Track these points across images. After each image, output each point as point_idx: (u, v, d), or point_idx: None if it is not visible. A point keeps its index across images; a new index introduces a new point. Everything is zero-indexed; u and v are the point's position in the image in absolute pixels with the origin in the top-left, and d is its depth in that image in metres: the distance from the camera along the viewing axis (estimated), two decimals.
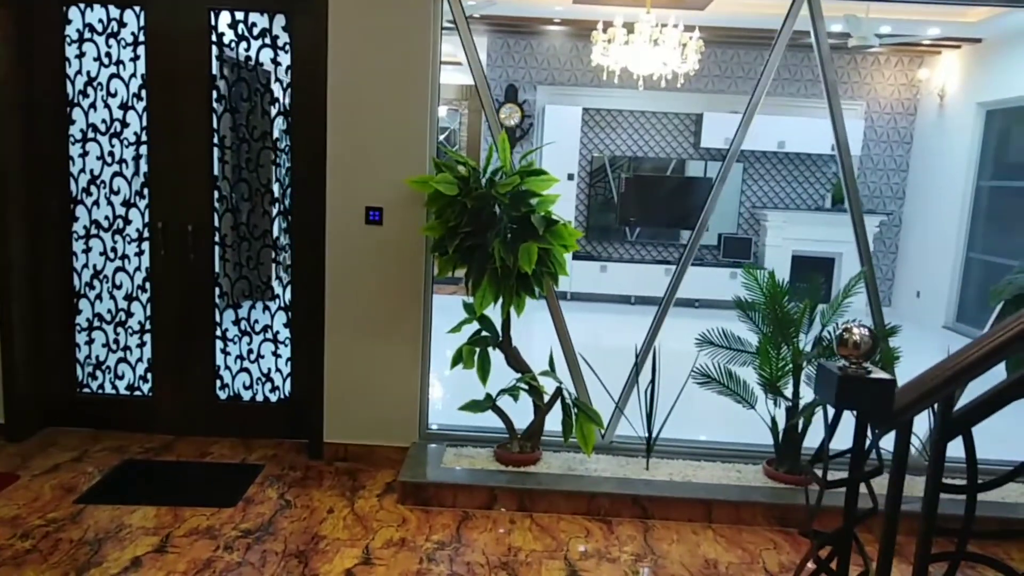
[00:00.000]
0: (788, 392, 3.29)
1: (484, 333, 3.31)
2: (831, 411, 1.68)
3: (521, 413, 3.37)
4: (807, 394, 3.27)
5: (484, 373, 3.28)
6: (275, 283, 3.69)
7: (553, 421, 3.33)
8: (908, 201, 8.62)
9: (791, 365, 3.26)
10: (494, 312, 3.20)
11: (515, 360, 3.33)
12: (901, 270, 8.70)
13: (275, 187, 3.65)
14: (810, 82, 8.31)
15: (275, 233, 3.71)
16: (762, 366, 3.30)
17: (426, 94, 3.29)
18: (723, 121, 8.36)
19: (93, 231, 3.64)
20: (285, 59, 3.49)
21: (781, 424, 3.34)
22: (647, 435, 3.38)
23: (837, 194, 8.73)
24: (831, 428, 1.72)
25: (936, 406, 1.54)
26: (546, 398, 3.31)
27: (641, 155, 8.78)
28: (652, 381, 3.35)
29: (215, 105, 3.52)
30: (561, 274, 3.21)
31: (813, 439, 3.36)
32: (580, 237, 3.17)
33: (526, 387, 3.28)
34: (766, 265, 8.63)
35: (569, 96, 8.47)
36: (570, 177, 8.49)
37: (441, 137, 10.69)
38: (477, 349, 3.26)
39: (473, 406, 3.25)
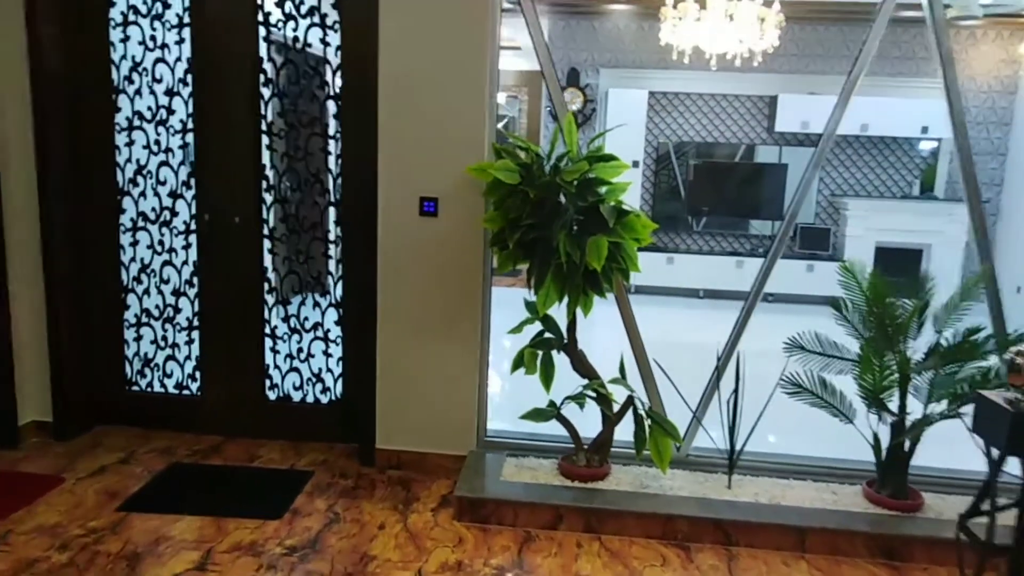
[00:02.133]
0: (893, 405, 2.90)
1: (547, 335, 3.02)
2: (992, 451, 1.34)
3: (588, 422, 3.07)
4: (914, 408, 2.88)
5: (548, 378, 2.99)
6: (327, 278, 3.48)
7: (623, 431, 3.03)
8: (1007, 188, 7.92)
9: (898, 375, 2.87)
10: (558, 312, 2.90)
11: (581, 364, 3.03)
12: (999, 263, 8.01)
13: (328, 177, 3.42)
14: (897, 59, 7.69)
15: (327, 225, 3.49)
16: (863, 375, 2.91)
17: (484, 76, 3.00)
18: (800, 103, 7.84)
19: (140, 223, 3.49)
20: (335, 39, 3.25)
21: (884, 441, 2.96)
22: (729, 449, 3.04)
23: (927, 180, 8.10)
24: (994, 474, 1.37)
25: None
26: (615, 407, 3.00)
27: (711, 140, 8.31)
28: (735, 390, 3.00)
29: (262, 89, 3.31)
30: (633, 270, 2.89)
31: (922, 458, 2.98)
32: (655, 229, 2.85)
33: (593, 394, 2.98)
34: (846, 257, 8.07)
35: (634, 79, 8.06)
36: (635, 164, 8.10)
37: (499, 125, 10.44)
38: (540, 352, 2.97)
39: (536, 415, 2.97)
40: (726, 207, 8.37)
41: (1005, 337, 2.91)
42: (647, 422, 2.89)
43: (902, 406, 2.89)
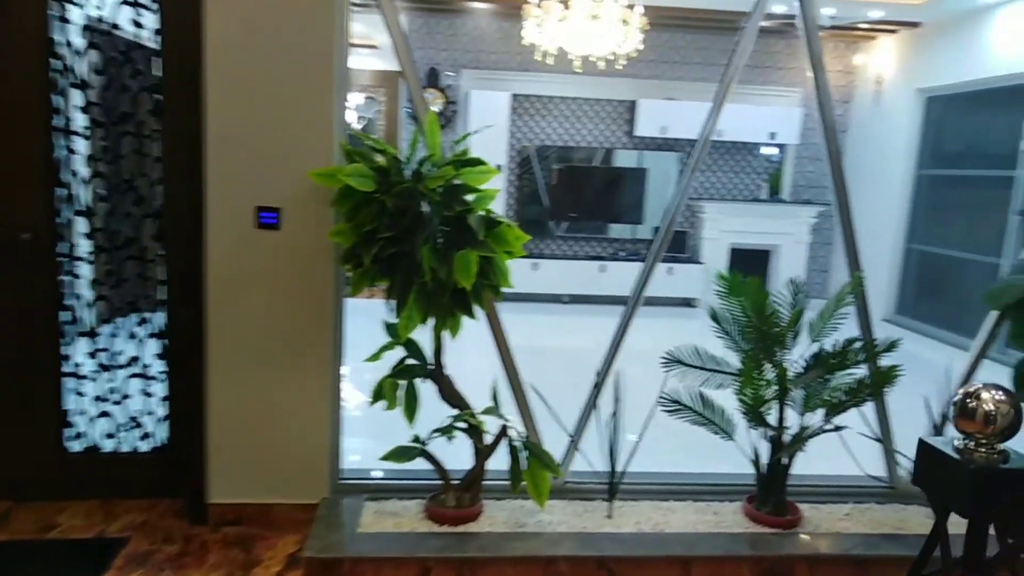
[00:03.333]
0: (773, 419, 2.80)
1: (411, 361, 2.67)
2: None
3: (458, 454, 2.76)
4: (791, 420, 2.80)
5: (412, 411, 2.65)
6: (145, 304, 2.94)
7: (497, 459, 2.73)
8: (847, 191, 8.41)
9: (777, 388, 2.77)
10: (422, 334, 2.57)
11: (450, 393, 2.71)
12: (841, 261, 8.50)
13: (145, 183, 2.90)
14: (747, 68, 7.95)
15: (144, 241, 2.96)
16: (743, 389, 2.79)
17: (331, 71, 2.62)
18: (658, 108, 7.93)
19: None
20: (152, 21, 2.74)
21: (764, 455, 2.85)
22: (610, 475, 2.83)
23: (775, 184, 8.45)
24: (941, 536, 1.18)
25: None
26: (488, 438, 2.70)
27: (573, 144, 8.25)
28: (614, 412, 2.79)
29: (57, 79, 2.74)
30: (505, 286, 2.62)
31: (800, 468, 2.90)
32: (528, 241, 2.58)
33: (464, 426, 2.67)
34: (703, 260, 8.28)
35: (497, 81, 7.85)
36: (498, 168, 7.89)
37: (359, 127, 9.91)
38: (403, 382, 2.63)
39: (398, 454, 2.61)
40: (588, 211, 8.34)
41: (873, 346, 2.88)
42: (523, 455, 2.61)
43: (781, 419, 2.80)
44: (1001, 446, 1.02)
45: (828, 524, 2.86)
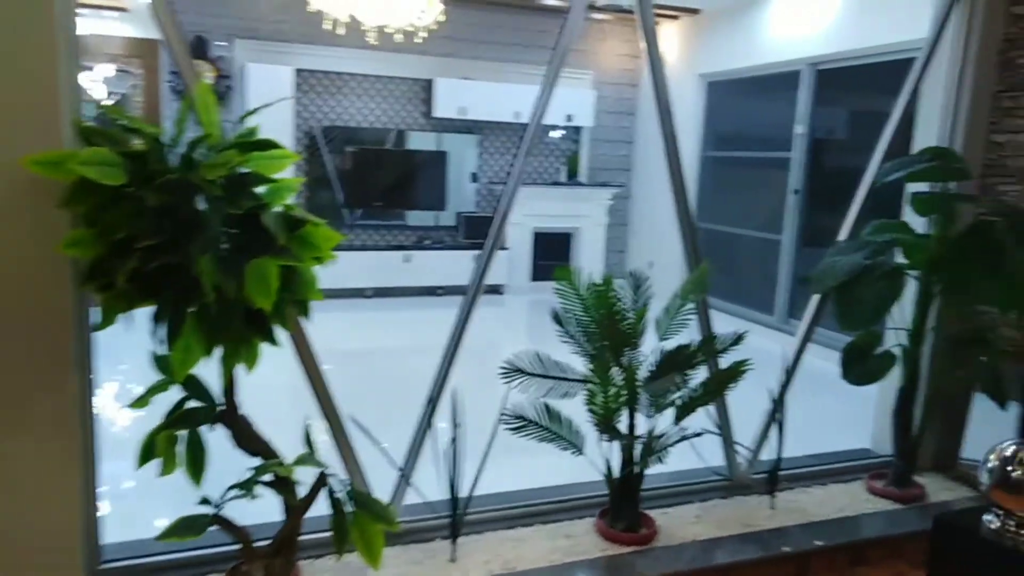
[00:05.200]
0: (624, 426, 2.56)
1: (193, 404, 2.07)
2: None
3: (263, 505, 2.20)
4: (643, 424, 2.58)
5: (198, 469, 2.05)
6: None
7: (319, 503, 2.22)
8: (637, 173, 8.66)
9: (627, 393, 2.52)
10: (207, 367, 1.98)
11: (247, 438, 2.14)
12: (634, 242, 8.76)
13: None
14: (540, 49, 7.83)
15: None
16: (593, 398, 2.51)
17: (51, 32, 1.91)
18: (457, 88, 7.59)
19: None
20: None
21: (616, 465, 2.61)
22: (452, 511, 2.42)
23: (572, 167, 8.49)
24: None
25: None
26: (302, 490, 2.17)
27: (367, 125, 7.67)
28: (454, 439, 2.38)
29: None
30: (314, 299, 2.10)
31: (651, 479, 2.71)
32: (342, 241, 2.08)
33: (270, 478, 2.11)
34: (509, 245, 8.12)
35: (278, 54, 7.05)
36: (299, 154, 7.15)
37: (110, 102, 8.48)
38: (182, 433, 2.02)
39: (183, 529, 2.00)
40: (386, 198, 7.83)
41: (712, 343, 2.74)
42: (348, 508, 2.12)
43: (632, 426, 2.56)
44: None
45: (682, 532, 2.69)
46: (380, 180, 7.77)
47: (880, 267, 2.81)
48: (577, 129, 8.35)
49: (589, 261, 8.26)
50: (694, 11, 7.51)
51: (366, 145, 7.63)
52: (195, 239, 1.81)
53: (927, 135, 3.21)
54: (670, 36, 7.97)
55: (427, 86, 7.69)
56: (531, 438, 2.55)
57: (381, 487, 2.49)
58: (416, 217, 7.94)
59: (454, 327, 2.65)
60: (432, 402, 2.59)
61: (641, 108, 8.49)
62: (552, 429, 2.56)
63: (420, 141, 7.87)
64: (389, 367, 2.54)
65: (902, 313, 2.97)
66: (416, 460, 2.57)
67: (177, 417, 2.03)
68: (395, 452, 2.54)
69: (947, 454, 3.32)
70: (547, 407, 2.58)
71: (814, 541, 2.69)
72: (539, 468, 3.02)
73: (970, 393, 3.25)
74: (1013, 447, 0.91)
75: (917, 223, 3.02)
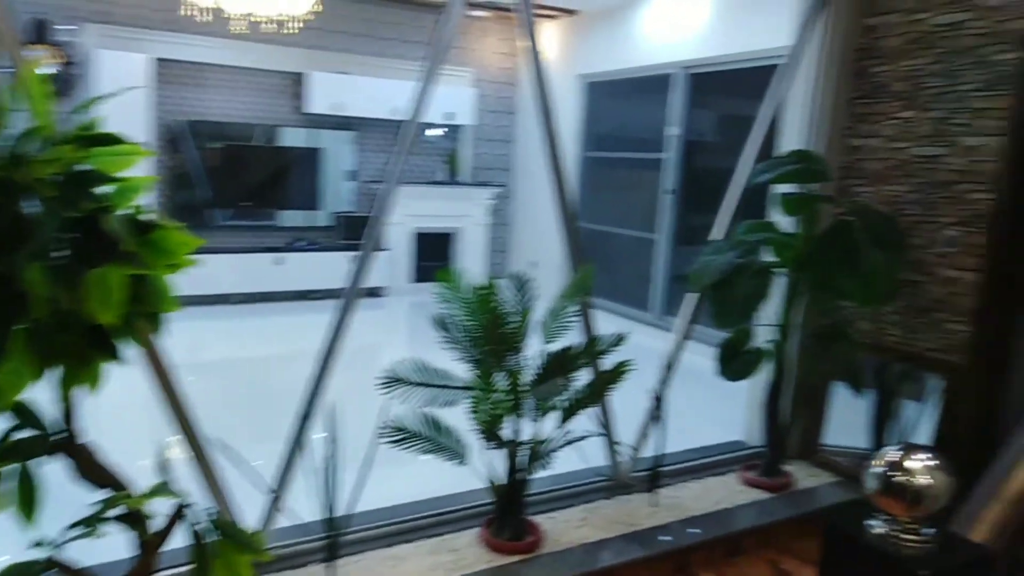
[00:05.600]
0: (509, 432, 2.49)
1: (23, 434, 1.81)
2: None
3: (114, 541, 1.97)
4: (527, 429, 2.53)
5: (30, 506, 1.80)
6: None
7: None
8: (518, 172, 8.68)
9: (512, 398, 2.46)
10: (39, 390, 1.74)
11: (91, 469, 1.90)
12: (515, 240, 8.78)
13: None
14: (418, 44, 7.68)
15: None
16: (478, 405, 2.43)
17: None
18: (332, 83, 7.30)
19: None
20: None
21: (500, 473, 2.54)
22: (329, 533, 2.28)
23: (453, 166, 8.39)
24: None
25: None
26: (155, 524, 1.96)
27: (238, 119, 7.25)
28: (332, 455, 2.24)
29: None
30: (167, 310, 1.89)
31: (536, 483, 2.67)
32: (201, 245, 1.89)
33: (119, 512, 1.89)
34: (389, 246, 7.92)
35: (134, 40, 6.51)
36: (151, 150, 6.62)
37: None
38: (11, 467, 1.77)
39: None
40: (256, 197, 7.43)
41: (596, 345, 2.73)
42: (210, 540, 1.93)
43: (517, 432, 2.51)
44: (925, 531, 0.76)
45: (568, 536, 2.67)
46: (249, 178, 7.35)
47: (751, 266, 2.91)
48: (457, 127, 8.26)
49: (472, 261, 8.19)
50: (572, 11, 7.59)
51: (234, 141, 7.20)
52: (22, 246, 1.58)
53: (791, 138, 3.35)
54: (549, 35, 8.03)
55: (298, 79, 7.36)
56: (413, 450, 2.44)
57: (251, 511, 2.31)
58: (288, 217, 7.58)
59: (330, 333, 2.50)
60: (305, 415, 2.43)
61: (521, 107, 8.51)
62: (435, 440, 2.47)
63: (292, 137, 7.51)
64: (258, 378, 2.36)
65: (773, 310, 3.09)
66: (288, 479, 2.40)
67: (5, 448, 1.77)
68: (266, 471, 2.37)
69: (810, 442, 3.48)
70: (429, 417, 2.49)
71: (691, 534, 2.74)
72: (424, 476, 2.92)
73: (828, 383, 3.43)
74: (899, 453, 0.92)
75: (785, 223, 3.14)
